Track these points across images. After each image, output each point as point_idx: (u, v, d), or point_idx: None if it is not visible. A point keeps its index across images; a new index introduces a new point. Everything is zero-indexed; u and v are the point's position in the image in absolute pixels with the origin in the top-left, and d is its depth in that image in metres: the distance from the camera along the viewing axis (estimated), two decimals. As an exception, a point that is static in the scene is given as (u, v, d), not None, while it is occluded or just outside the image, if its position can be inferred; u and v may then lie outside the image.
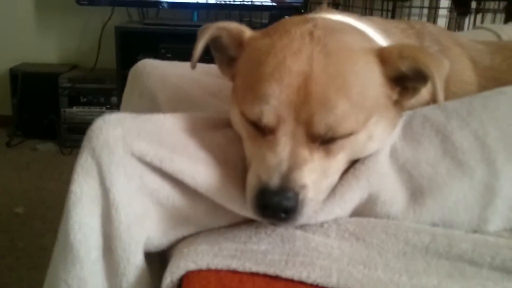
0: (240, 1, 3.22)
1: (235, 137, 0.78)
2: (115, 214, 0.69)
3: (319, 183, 0.69)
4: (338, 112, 0.67)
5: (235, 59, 0.82)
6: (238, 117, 0.75)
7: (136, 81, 1.23)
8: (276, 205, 0.64)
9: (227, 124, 0.82)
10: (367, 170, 0.74)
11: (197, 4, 3.25)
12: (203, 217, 0.74)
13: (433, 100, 0.83)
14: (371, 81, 0.72)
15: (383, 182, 0.74)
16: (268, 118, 0.68)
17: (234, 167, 0.75)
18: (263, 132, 0.71)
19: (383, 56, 0.73)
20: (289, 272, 0.65)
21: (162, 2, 3.23)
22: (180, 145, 0.73)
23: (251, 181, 0.68)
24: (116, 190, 0.69)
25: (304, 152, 0.68)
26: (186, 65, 1.31)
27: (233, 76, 0.82)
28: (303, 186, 0.66)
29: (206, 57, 0.88)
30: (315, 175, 0.68)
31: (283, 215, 0.65)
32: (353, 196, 0.73)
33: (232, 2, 3.28)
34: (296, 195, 0.65)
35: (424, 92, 0.84)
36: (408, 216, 0.74)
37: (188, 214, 0.73)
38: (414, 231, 0.72)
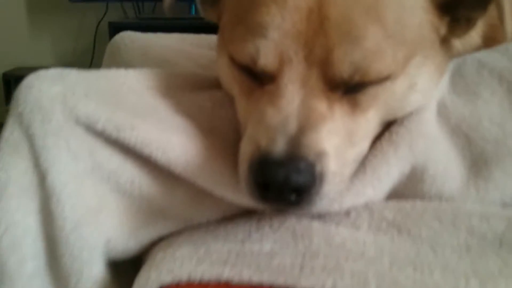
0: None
1: (225, 99, 0.58)
2: (56, 208, 0.49)
3: (344, 151, 0.48)
4: (368, 44, 0.47)
5: None
6: (227, 66, 0.55)
7: (113, 57, 1.03)
8: (281, 181, 0.44)
9: (215, 86, 0.61)
10: (408, 134, 0.53)
11: (195, -4, 3.07)
12: (183, 208, 0.53)
13: (487, 42, 0.62)
14: (413, 3, 0.51)
15: (432, 150, 0.53)
16: (266, 58, 0.48)
17: (223, 138, 0.54)
18: (261, 80, 0.51)
19: None
20: (306, 282, 0.44)
21: (158, -6, 3.05)
22: (147, 107, 0.53)
23: (246, 149, 0.48)
24: (56, 173, 0.48)
25: (321, 105, 0.48)
26: (172, 36, 1.12)
27: (219, 16, 0.61)
28: (321, 154, 0.46)
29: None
30: (338, 139, 0.48)
31: (292, 196, 0.45)
32: (390, 171, 0.52)
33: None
34: (311, 166, 0.45)
35: (475, 36, 0.63)
36: (469, 195, 0.53)
37: (162, 204, 0.53)
38: (481, 216, 0.50)
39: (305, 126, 0.46)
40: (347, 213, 0.53)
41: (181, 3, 3.34)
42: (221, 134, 0.54)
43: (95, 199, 0.51)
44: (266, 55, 0.48)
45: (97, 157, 0.50)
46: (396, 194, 0.54)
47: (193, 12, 3.19)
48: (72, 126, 0.49)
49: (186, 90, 0.58)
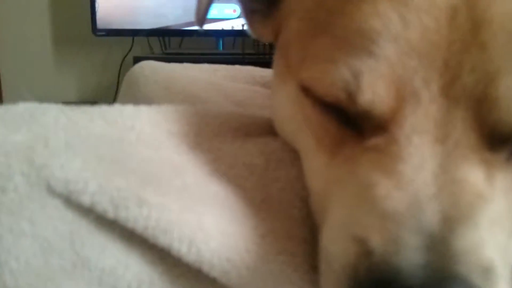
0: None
1: (284, 154, 0.38)
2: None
3: (508, 250, 0.28)
4: None
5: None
6: (294, 101, 0.35)
7: (130, 90, 0.86)
8: None
9: (268, 132, 0.42)
10: None
11: (222, 31, 2.98)
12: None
13: None
14: None
15: None
16: (373, 90, 0.28)
17: (283, 216, 0.34)
18: (360, 128, 0.31)
19: None
20: None
21: (185, 30, 2.98)
22: (165, 169, 0.33)
23: (337, 248, 0.28)
24: (10, 274, 0.29)
25: (476, 175, 0.27)
26: (201, 67, 0.94)
27: (277, 30, 0.42)
28: (489, 272, 0.25)
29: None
30: (503, 236, 0.27)
31: None
32: None
33: (261, 28, 2.97)
34: None
35: None
36: None
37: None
38: None
39: (454, 216, 0.26)
40: None
41: (208, 38, 3.27)
42: (281, 210, 0.34)
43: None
44: (373, 86, 0.28)
45: (83, 249, 0.30)
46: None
47: (221, 48, 3.10)
48: (41, 197, 0.30)
49: (226, 140, 0.38)
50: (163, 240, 0.30)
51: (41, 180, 0.30)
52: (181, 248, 0.30)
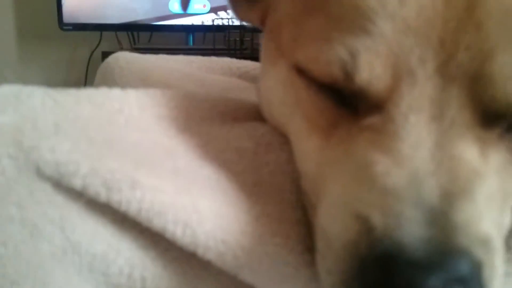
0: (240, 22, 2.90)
1: (273, 137, 0.38)
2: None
3: (500, 228, 0.29)
4: None
5: None
6: (286, 83, 0.35)
7: (105, 83, 0.84)
8: None
9: (255, 117, 0.42)
10: None
11: (192, 26, 2.95)
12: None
13: None
14: None
15: None
16: (370, 68, 0.29)
17: (276, 199, 0.34)
18: (355, 108, 0.31)
19: None
20: None
21: (155, 25, 2.93)
22: (157, 151, 0.33)
23: (336, 227, 0.28)
24: (4, 257, 0.28)
25: (471, 152, 0.28)
26: (177, 59, 0.93)
27: (264, 13, 0.41)
28: (487, 243, 0.26)
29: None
30: (496, 211, 0.28)
31: None
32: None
33: (231, 23, 2.96)
34: (478, 269, 0.25)
35: None
36: None
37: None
38: None
39: (452, 190, 0.26)
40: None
41: (178, 33, 3.22)
42: (273, 193, 0.34)
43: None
44: (370, 64, 0.28)
45: (73, 234, 0.30)
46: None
47: (191, 43, 3.06)
48: (30, 181, 0.29)
49: (215, 124, 0.38)
50: (157, 222, 0.29)
51: (30, 163, 0.29)
52: (176, 230, 0.30)
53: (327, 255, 0.28)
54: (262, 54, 0.41)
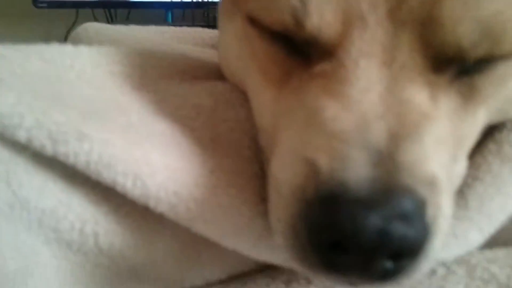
0: (219, -2, 2.86)
1: (232, 94, 0.38)
2: None
3: (451, 170, 0.29)
4: None
5: None
6: (240, 36, 0.35)
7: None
8: (374, 238, 0.23)
9: (216, 76, 0.41)
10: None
11: (171, 3, 2.90)
12: (169, 266, 0.33)
13: None
14: None
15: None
16: (320, 13, 0.28)
17: (233, 154, 0.34)
18: (307, 56, 0.31)
19: None
20: None
21: (133, 1, 2.88)
22: (109, 105, 0.32)
23: (286, 174, 0.28)
24: None
25: (420, 96, 0.28)
26: (148, 29, 0.92)
27: None
28: (433, 183, 0.26)
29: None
30: (447, 154, 0.28)
31: (388, 264, 0.24)
32: (506, 204, 0.32)
33: (210, 0, 2.93)
34: (421, 208, 0.25)
35: None
36: None
37: (134, 262, 0.32)
38: None
39: (400, 133, 0.26)
40: (432, 271, 0.33)
41: (157, 10, 3.18)
42: (230, 149, 0.34)
43: (18, 258, 0.30)
44: (320, 10, 0.28)
45: (20, 189, 0.29)
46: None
47: (170, 20, 3.02)
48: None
49: (174, 81, 0.37)
50: (106, 175, 0.29)
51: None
52: (126, 183, 0.29)
53: (277, 202, 0.28)
54: (220, 10, 0.40)
